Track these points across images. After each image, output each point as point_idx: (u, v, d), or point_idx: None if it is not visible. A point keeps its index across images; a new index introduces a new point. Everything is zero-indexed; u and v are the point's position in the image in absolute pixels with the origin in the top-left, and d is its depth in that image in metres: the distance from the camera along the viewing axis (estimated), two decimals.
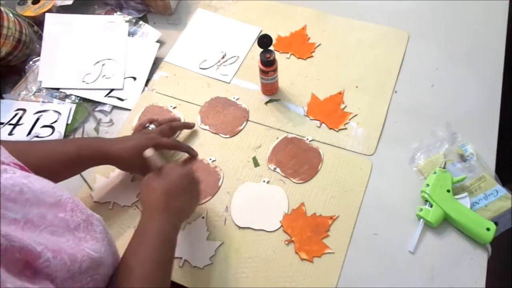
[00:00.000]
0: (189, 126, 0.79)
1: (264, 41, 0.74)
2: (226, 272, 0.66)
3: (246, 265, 0.66)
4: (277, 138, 0.78)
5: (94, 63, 0.89)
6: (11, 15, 0.87)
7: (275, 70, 0.78)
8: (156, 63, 0.91)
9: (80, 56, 0.90)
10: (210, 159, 0.77)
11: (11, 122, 0.83)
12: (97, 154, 0.66)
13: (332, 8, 0.95)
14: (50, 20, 0.93)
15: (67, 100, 0.87)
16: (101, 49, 0.91)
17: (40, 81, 0.88)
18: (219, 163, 0.76)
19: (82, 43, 0.92)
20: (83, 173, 0.77)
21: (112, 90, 0.87)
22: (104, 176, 0.76)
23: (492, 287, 0.66)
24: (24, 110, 0.85)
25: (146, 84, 0.88)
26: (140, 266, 0.50)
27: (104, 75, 0.88)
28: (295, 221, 0.69)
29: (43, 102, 0.86)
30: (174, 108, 0.84)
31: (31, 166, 0.48)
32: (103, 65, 0.89)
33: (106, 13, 0.98)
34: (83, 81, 0.87)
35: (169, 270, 0.54)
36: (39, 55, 0.92)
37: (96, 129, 0.83)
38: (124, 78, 0.88)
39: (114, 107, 0.86)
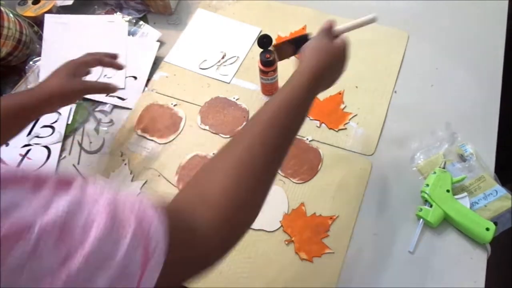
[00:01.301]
0: (115, 63, 0.75)
1: (264, 41, 0.74)
2: (226, 272, 0.66)
3: (246, 265, 0.66)
4: None
5: None
6: (11, 15, 0.87)
7: (275, 70, 0.78)
8: (156, 63, 0.91)
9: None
10: (213, 153, 0.77)
11: None
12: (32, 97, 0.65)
13: (332, 8, 0.94)
14: (50, 21, 0.93)
15: None
16: (101, 49, 0.91)
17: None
18: None
19: (83, 44, 0.92)
20: (83, 173, 0.78)
21: None
22: (104, 176, 0.77)
23: (492, 287, 0.66)
24: None
25: (146, 84, 0.88)
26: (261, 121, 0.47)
27: (106, 75, 0.88)
28: (295, 221, 0.69)
29: None
30: (175, 106, 0.84)
31: None
32: None
33: (106, 13, 0.98)
34: None
35: (290, 138, 0.50)
36: (39, 55, 0.92)
37: (96, 129, 0.83)
38: (125, 78, 0.88)
39: (115, 106, 0.86)
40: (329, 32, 0.63)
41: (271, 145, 0.46)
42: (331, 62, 0.58)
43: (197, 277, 0.41)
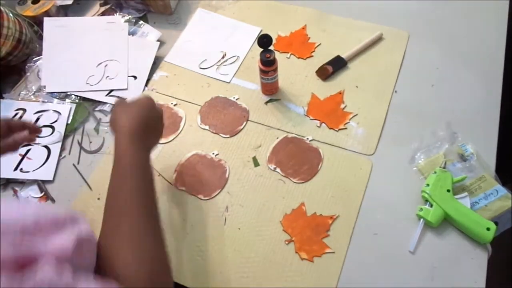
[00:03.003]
0: (31, 128, 0.67)
1: (264, 41, 0.74)
2: (226, 272, 0.66)
3: (246, 265, 0.66)
4: (277, 138, 0.78)
5: (97, 64, 0.89)
6: (11, 15, 0.87)
7: (275, 70, 0.78)
8: (156, 63, 0.91)
9: (82, 58, 0.90)
10: (213, 153, 0.77)
11: None
12: None
13: (332, 8, 0.94)
14: (49, 24, 0.93)
15: (67, 99, 0.87)
16: (103, 50, 0.91)
17: (40, 82, 0.88)
18: (222, 157, 0.76)
19: (83, 45, 0.92)
20: (83, 173, 0.77)
21: (112, 89, 0.87)
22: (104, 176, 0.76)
23: (492, 287, 0.66)
24: (24, 110, 0.85)
25: (146, 84, 0.88)
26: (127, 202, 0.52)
27: (108, 76, 0.88)
28: (295, 221, 0.69)
29: (43, 101, 0.86)
30: (175, 105, 0.84)
31: None
32: (105, 66, 0.89)
33: (106, 13, 0.98)
34: (87, 83, 0.87)
35: (154, 200, 0.55)
36: (39, 55, 0.92)
37: (96, 129, 0.83)
38: (127, 77, 0.88)
39: None
40: (122, 99, 0.65)
41: (142, 208, 0.52)
42: (139, 119, 0.60)
43: None
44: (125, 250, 0.48)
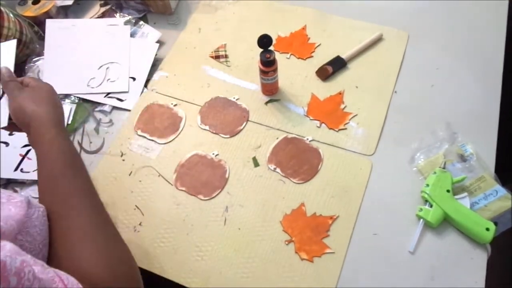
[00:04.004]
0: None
1: (264, 41, 0.74)
2: (226, 272, 0.66)
3: (246, 265, 0.66)
4: (277, 138, 0.78)
5: (98, 67, 0.89)
6: (11, 15, 0.87)
7: (275, 70, 0.78)
8: (156, 63, 0.91)
9: (84, 60, 0.90)
10: (213, 153, 0.77)
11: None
12: None
13: (332, 8, 0.95)
14: (51, 26, 0.93)
15: (67, 100, 0.87)
16: (104, 52, 0.91)
17: None
18: (222, 157, 0.77)
19: (85, 48, 0.92)
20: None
21: (113, 92, 0.87)
22: (103, 176, 0.76)
23: (492, 287, 0.66)
24: None
25: (146, 85, 0.88)
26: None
27: (109, 79, 0.88)
28: (295, 221, 0.69)
29: None
30: (175, 105, 0.84)
31: None
32: (107, 68, 0.89)
33: (106, 14, 0.98)
34: (88, 85, 0.87)
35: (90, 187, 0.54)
36: (39, 55, 0.92)
37: (96, 129, 0.83)
38: (128, 79, 0.88)
39: (114, 107, 0.86)
40: (18, 84, 0.61)
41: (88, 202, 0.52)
42: (46, 100, 0.58)
43: None
44: (80, 249, 0.48)
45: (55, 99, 0.60)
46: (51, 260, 0.47)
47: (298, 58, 0.88)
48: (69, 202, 0.51)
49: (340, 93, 0.82)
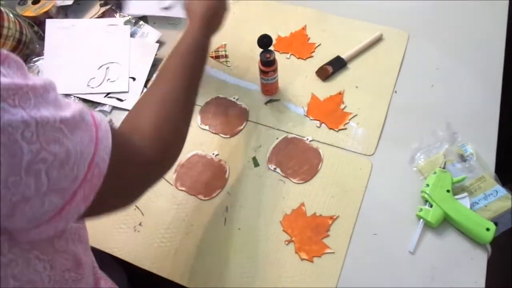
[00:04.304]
0: None
1: (264, 41, 0.74)
2: (226, 272, 0.66)
3: (246, 265, 0.66)
4: (277, 138, 0.78)
5: (98, 67, 0.89)
6: (11, 15, 0.87)
7: (275, 70, 0.78)
8: (156, 63, 0.91)
9: (84, 60, 0.90)
10: (213, 153, 0.77)
11: None
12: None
13: (332, 8, 0.95)
14: (51, 26, 0.93)
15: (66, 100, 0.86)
16: (104, 52, 0.91)
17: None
18: (222, 157, 0.76)
19: (85, 48, 0.91)
20: None
21: (113, 92, 0.87)
22: None
23: (492, 287, 0.66)
24: None
25: (146, 85, 0.88)
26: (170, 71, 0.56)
27: (109, 79, 0.88)
28: (295, 221, 0.69)
29: None
30: None
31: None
32: (107, 68, 0.89)
33: (106, 14, 0.98)
34: (88, 85, 0.87)
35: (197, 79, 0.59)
36: (39, 55, 0.92)
37: None
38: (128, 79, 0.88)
39: (114, 107, 0.86)
40: None
41: (186, 81, 0.56)
42: (210, 5, 0.65)
43: (141, 188, 0.48)
44: (150, 112, 0.50)
45: (215, 5, 0.65)
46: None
47: (298, 58, 0.88)
48: (174, 70, 0.56)
49: (340, 93, 0.82)
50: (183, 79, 0.55)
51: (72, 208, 0.34)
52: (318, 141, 0.77)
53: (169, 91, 0.54)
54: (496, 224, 0.64)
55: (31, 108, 0.29)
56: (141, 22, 0.96)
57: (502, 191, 0.67)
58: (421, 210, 0.66)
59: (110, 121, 0.83)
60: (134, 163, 0.44)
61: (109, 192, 0.38)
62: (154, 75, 0.89)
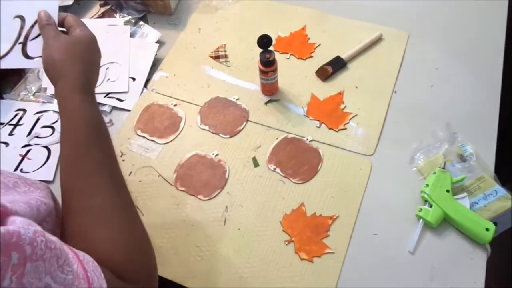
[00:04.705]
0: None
1: (264, 41, 0.74)
2: (226, 273, 0.66)
3: (246, 265, 0.66)
4: (277, 138, 0.78)
5: None
6: None
7: (275, 70, 0.78)
8: (156, 63, 0.91)
9: None
10: (213, 153, 0.77)
11: (11, 122, 0.83)
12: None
13: (332, 8, 0.95)
14: None
15: None
16: (104, 52, 0.90)
17: (41, 83, 0.88)
18: (222, 157, 0.77)
19: None
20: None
21: (113, 92, 0.87)
22: None
23: (491, 287, 0.66)
24: (24, 110, 0.85)
25: (145, 85, 0.88)
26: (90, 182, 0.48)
27: (109, 79, 0.88)
28: (295, 221, 0.69)
29: (43, 102, 0.86)
30: (174, 106, 0.84)
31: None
32: (107, 68, 0.89)
33: (106, 14, 0.98)
34: None
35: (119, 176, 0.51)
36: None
37: None
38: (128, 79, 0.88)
39: (114, 107, 0.86)
40: (55, 30, 0.55)
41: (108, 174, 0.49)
42: (82, 57, 0.53)
43: None
44: (98, 230, 0.45)
45: (91, 56, 0.54)
46: (66, 239, 0.45)
47: (298, 58, 0.88)
48: (90, 180, 0.48)
49: (340, 93, 0.82)
50: (107, 183, 0.48)
51: None
52: (318, 141, 0.77)
53: (104, 203, 0.47)
54: (495, 224, 0.64)
55: None
56: (141, 22, 0.96)
57: (502, 191, 0.67)
58: (420, 210, 0.67)
59: (110, 122, 0.83)
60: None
61: None
62: (154, 75, 0.89)
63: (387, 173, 0.73)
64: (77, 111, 0.50)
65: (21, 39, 0.57)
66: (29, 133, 0.82)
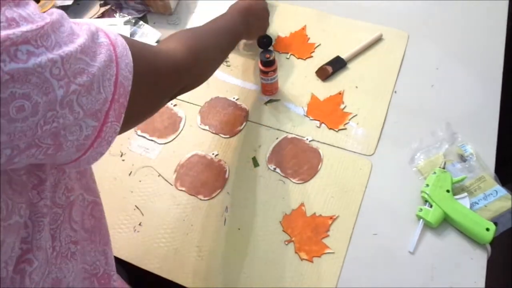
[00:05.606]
0: None
1: (264, 41, 0.74)
2: (226, 273, 0.66)
3: (246, 265, 0.66)
4: (277, 138, 0.78)
5: None
6: None
7: (275, 70, 0.78)
8: None
9: None
10: (213, 153, 0.77)
11: None
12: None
13: (332, 8, 0.95)
14: None
15: None
16: None
17: None
18: (222, 157, 0.77)
19: None
20: None
21: None
22: (102, 176, 0.76)
23: (492, 287, 0.66)
24: None
25: None
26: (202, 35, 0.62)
27: None
28: (295, 221, 0.69)
29: None
30: (174, 105, 0.84)
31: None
32: None
33: (106, 14, 0.98)
34: None
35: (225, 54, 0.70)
36: None
37: None
38: None
39: None
40: None
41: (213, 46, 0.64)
42: (255, 8, 0.76)
43: (168, 92, 0.51)
44: (185, 37, 0.57)
45: (258, 7, 0.78)
46: None
47: (298, 58, 0.88)
48: (211, 39, 0.63)
49: (340, 93, 0.82)
50: (216, 33, 0.65)
51: (108, 128, 0.36)
52: (318, 141, 0.77)
53: (204, 31, 0.62)
54: (496, 224, 0.64)
55: (53, 46, 0.31)
56: (141, 22, 0.96)
57: (502, 191, 0.67)
58: (421, 210, 0.66)
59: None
60: (161, 67, 0.47)
61: (137, 102, 0.40)
62: None
63: (387, 173, 0.73)
64: (230, 16, 0.71)
65: None
66: None
